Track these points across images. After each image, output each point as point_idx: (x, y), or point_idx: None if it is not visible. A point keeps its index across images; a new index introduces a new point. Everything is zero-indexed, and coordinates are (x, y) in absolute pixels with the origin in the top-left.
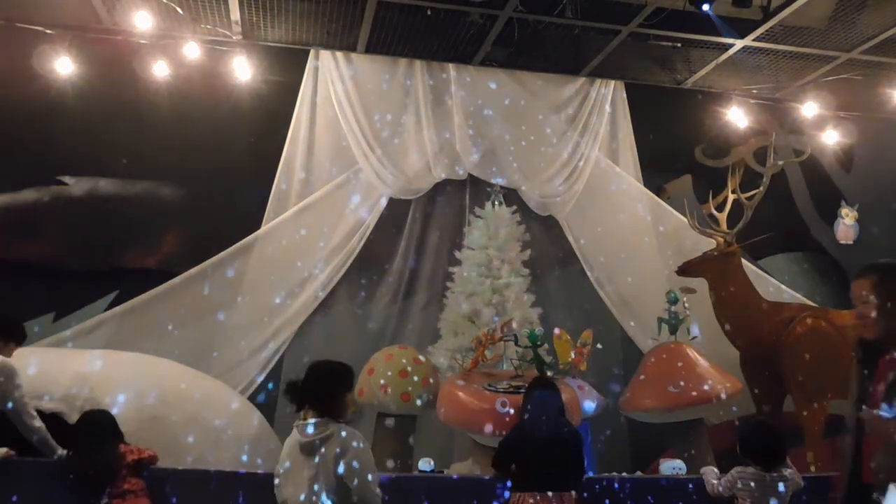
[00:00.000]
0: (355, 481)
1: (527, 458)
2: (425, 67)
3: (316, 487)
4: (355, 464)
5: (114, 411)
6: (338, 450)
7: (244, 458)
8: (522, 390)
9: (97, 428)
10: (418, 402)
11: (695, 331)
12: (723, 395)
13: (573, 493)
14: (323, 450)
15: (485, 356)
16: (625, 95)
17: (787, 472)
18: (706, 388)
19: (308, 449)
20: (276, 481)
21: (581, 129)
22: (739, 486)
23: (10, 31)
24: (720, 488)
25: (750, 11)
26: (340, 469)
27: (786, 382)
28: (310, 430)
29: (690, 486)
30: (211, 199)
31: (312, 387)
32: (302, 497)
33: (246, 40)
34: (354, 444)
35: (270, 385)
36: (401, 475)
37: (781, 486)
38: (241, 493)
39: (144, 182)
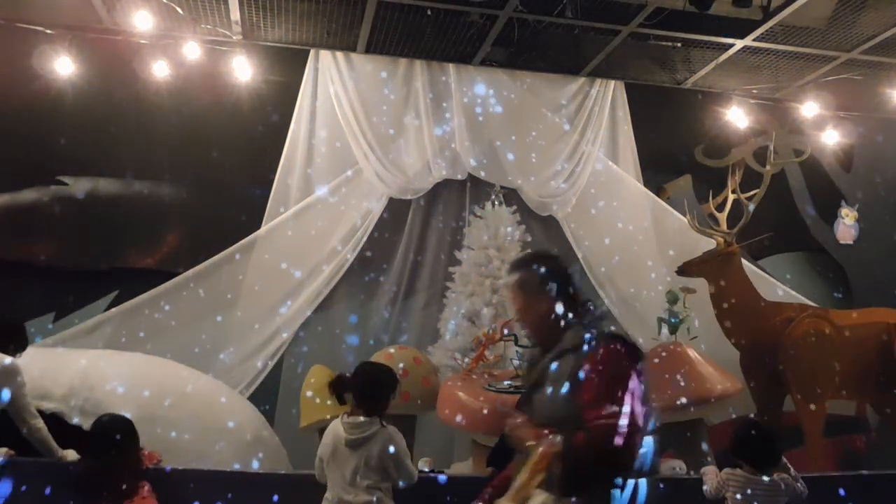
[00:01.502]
0: (399, 468)
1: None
2: (425, 67)
3: (358, 475)
4: (397, 456)
5: (113, 411)
6: (380, 446)
7: (244, 457)
8: (523, 390)
9: (123, 434)
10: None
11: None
12: (722, 395)
13: None
14: (367, 446)
15: (485, 356)
16: (625, 95)
17: (781, 476)
18: (706, 387)
19: (353, 444)
20: (319, 462)
21: (581, 129)
22: (728, 487)
23: (10, 31)
24: (708, 488)
25: (750, 11)
26: (385, 460)
27: (786, 382)
28: (356, 427)
29: (690, 486)
30: (211, 199)
31: (361, 389)
32: (345, 481)
33: (246, 40)
34: (395, 439)
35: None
36: None
37: (772, 489)
38: (241, 493)
39: (144, 182)
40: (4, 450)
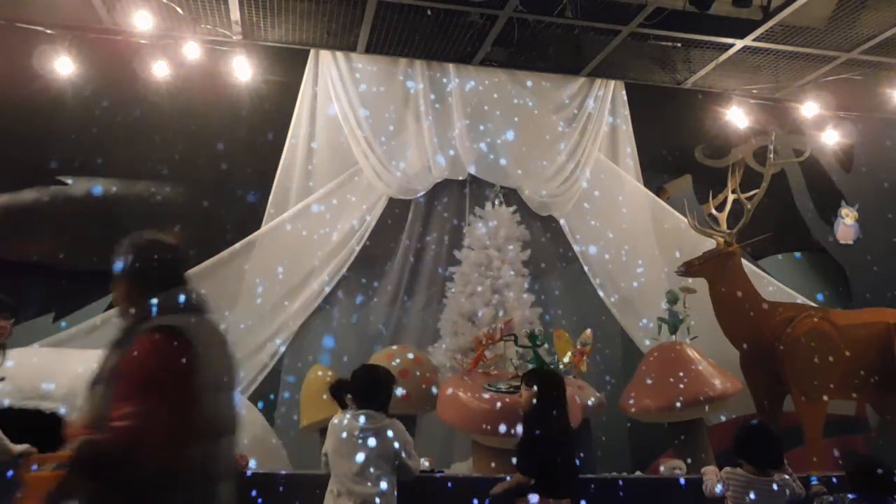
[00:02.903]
0: (407, 455)
1: (550, 459)
2: (425, 67)
3: (371, 466)
4: (406, 444)
5: None
6: (391, 435)
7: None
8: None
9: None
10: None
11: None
12: (722, 395)
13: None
14: (378, 436)
15: (485, 356)
16: (625, 95)
17: (781, 476)
18: (706, 387)
19: (365, 435)
20: (326, 458)
21: (581, 129)
22: (728, 486)
23: (10, 31)
24: (708, 488)
25: (750, 11)
26: (397, 449)
27: (785, 382)
28: (363, 421)
29: (690, 486)
30: (211, 199)
31: (361, 391)
32: (354, 473)
33: (246, 40)
34: (402, 431)
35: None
36: None
37: (772, 490)
38: (240, 493)
39: (144, 182)
40: (26, 446)
